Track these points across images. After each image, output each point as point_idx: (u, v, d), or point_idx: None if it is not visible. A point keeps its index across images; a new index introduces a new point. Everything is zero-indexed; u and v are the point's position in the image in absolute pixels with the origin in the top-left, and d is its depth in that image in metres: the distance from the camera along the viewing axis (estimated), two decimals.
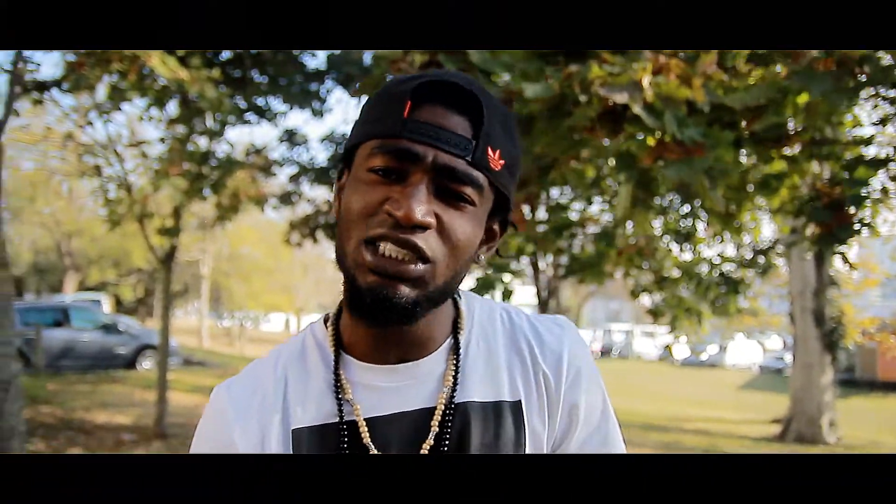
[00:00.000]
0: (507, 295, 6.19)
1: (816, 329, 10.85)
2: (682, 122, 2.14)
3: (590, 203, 7.38)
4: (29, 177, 23.81)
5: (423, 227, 0.80)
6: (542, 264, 10.61)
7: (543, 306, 9.57)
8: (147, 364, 14.83)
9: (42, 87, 7.47)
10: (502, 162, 0.85)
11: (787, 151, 3.88)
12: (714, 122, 2.38)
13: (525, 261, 10.38)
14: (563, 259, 8.87)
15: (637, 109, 2.10)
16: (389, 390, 0.89)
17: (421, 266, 0.81)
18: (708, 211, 6.30)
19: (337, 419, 0.88)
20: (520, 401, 0.91)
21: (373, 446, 0.86)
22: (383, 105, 0.85)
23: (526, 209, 6.12)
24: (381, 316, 0.82)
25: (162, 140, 8.79)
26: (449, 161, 0.81)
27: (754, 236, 8.28)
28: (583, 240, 7.60)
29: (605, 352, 38.70)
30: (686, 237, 7.88)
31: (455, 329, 0.94)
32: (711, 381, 24.17)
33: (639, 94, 2.13)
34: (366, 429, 0.87)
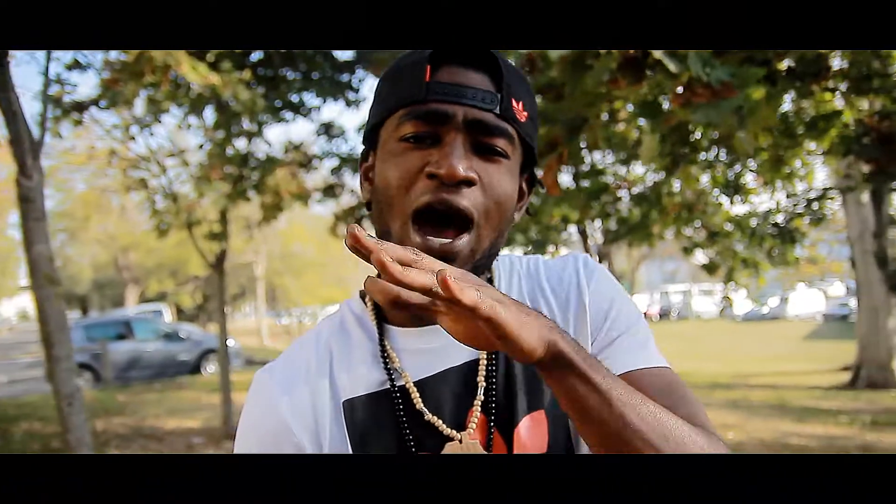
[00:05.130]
0: None
1: (880, 272, 10.49)
2: (707, 62, 2.07)
3: (626, 165, 7.23)
4: (82, 197, 24.45)
5: (468, 183, 0.81)
6: (589, 230, 10.50)
7: None
8: (211, 368, 15.13)
9: (80, 107, 7.60)
10: (526, 114, 0.87)
11: (832, 86, 3.73)
12: (745, 62, 2.29)
13: (573, 229, 10.29)
14: (613, 224, 8.77)
15: (658, 54, 2.04)
16: (433, 351, 0.91)
17: (466, 238, 0.83)
18: (756, 160, 6.12)
19: (388, 386, 0.89)
20: None
21: (426, 410, 0.87)
22: (401, 76, 0.87)
23: (565, 176, 6.01)
24: None
25: (200, 146, 8.91)
26: (478, 115, 0.83)
27: (808, 182, 8.05)
28: (629, 203, 7.47)
29: (664, 314, 37.21)
30: (736, 189, 7.70)
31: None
32: (775, 334, 23.59)
33: None
34: (417, 394, 0.88)
